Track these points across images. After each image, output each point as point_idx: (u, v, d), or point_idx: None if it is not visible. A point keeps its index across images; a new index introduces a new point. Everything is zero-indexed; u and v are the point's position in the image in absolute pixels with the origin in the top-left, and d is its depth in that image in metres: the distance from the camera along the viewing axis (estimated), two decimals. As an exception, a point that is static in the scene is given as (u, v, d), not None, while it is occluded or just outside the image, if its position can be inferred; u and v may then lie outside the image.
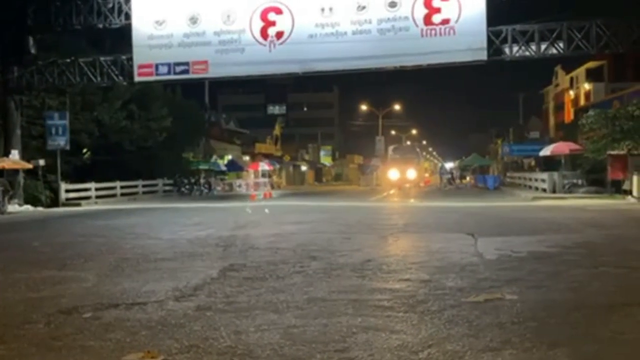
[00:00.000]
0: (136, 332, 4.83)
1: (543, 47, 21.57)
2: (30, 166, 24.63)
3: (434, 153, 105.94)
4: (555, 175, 27.78)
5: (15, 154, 24.15)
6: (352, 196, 30.01)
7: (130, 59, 23.37)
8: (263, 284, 6.79)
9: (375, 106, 63.37)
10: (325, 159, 78.76)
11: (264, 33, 22.52)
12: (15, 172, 24.29)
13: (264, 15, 22.52)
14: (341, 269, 7.70)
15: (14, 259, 9.70)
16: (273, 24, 22.50)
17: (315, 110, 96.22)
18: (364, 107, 66.49)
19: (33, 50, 24.41)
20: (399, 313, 5.30)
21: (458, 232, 11.89)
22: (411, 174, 44.04)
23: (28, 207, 23.90)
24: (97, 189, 28.74)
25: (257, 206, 23.36)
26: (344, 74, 24.77)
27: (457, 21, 21.30)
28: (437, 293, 6.09)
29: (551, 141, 37.99)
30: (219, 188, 40.52)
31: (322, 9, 22.13)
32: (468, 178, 48.82)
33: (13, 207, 22.85)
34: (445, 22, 21.41)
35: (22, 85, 24.77)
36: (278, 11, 22.47)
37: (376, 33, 21.92)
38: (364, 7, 21.91)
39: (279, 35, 22.45)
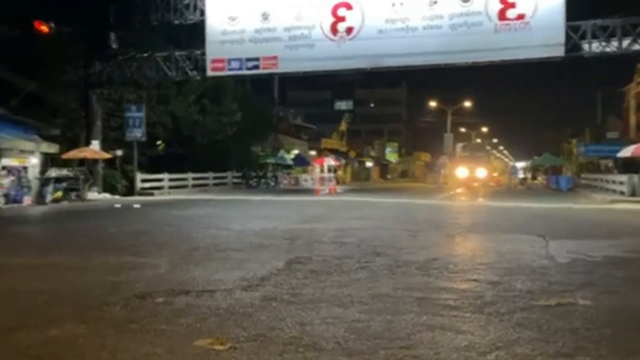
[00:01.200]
0: (205, 319, 4.99)
1: (625, 43, 20.55)
2: (109, 156, 25.82)
3: (505, 152, 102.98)
4: (636, 177, 26.37)
5: (95, 144, 25.38)
6: (418, 194, 29.66)
7: (203, 54, 24.03)
8: (328, 277, 6.85)
9: (445, 103, 62.23)
10: (391, 156, 78.13)
11: (333, 29, 22.60)
12: (95, 161, 25.52)
13: (334, 11, 22.59)
14: (406, 266, 7.65)
15: (93, 244, 10.22)
16: (343, 19, 22.53)
17: (383, 106, 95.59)
18: (432, 104, 65.40)
19: (114, 46, 25.54)
20: (466, 313, 5.22)
21: (528, 233, 11.53)
22: (480, 172, 42.98)
23: (106, 195, 25.09)
24: (170, 180, 29.77)
25: (322, 201, 23.51)
26: (413, 69, 24.48)
27: (532, 16, 20.62)
28: (506, 295, 5.95)
29: (631, 142, 36.10)
30: (285, 182, 41.02)
31: (393, 4, 21.96)
32: (540, 178, 47.09)
33: (92, 195, 24.05)
34: (521, 17, 20.76)
35: (103, 79, 25.97)
36: (348, 7, 22.47)
37: (448, 28, 21.54)
38: (435, 2, 21.58)
39: (349, 30, 22.45)
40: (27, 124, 23.25)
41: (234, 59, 23.61)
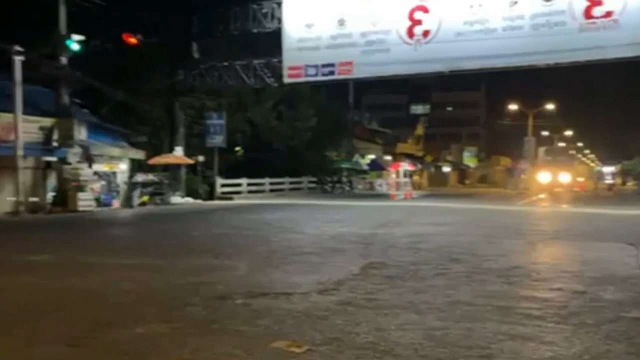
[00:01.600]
0: (283, 321, 5.08)
1: None
2: (191, 162, 26.80)
3: (590, 156, 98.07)
4: None
5: (179, 151, 26.42)
6: (497, 199, 28.81)
7: (280, 62, 24.46)
8: (404, 283, 6.79)
9: (525, 105, 60.10)
10: (469, 160, 76.27)
11: (410, 32, 22.40)
12: (178, 167, 26.56)
13: (410, 15, 22.40)
14: (485, 273, 7.46)
15: (177, 246, 10.65)
16: (419, 22, 22.28)
17: (460, 110, 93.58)
18: (512, 107, 63.34)
19: (196, 56, 26.49)
20: (550, 324, 5.02)
21: (617, 241, 10.94)
22: (564, 177, 41.22)
23: (188, 199, 26.04)
24: (248, 185, 30.52)
25: (398, 206, 23.31)
26: (492, 72, 23.83)
27: (621, 13, 19.55)
28: (592, 305, 5.68)
29: None
30: (360, 187, 41.02)
31: (471, 6, 21.48)
32: (630, 183, 44.48)
33: (176, 199, 25.04)
34: (608, 14, 19.74)
35: (186, 87, 27.01)
36: (425, 10, 22.21)
37: (529, 29, 20.83)
38: (515, 2, 20.91)
39: (426, 34, 22.18)
40: (116, 132, 24.57)
41: (310, 66, 23.89)
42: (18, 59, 18.71)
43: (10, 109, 18.71)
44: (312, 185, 37.52)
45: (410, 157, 53.49)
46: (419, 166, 53.29)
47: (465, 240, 11.21)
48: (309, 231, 12.89)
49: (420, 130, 69.33)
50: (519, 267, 7.91)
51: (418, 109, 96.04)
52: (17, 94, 18.70)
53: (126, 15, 22.98)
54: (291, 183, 35.02)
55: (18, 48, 18.65)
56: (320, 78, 24.42)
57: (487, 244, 10.75)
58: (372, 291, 6.33)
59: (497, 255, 9.05)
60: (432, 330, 4.77)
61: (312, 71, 23.99)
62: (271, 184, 32.71)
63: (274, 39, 24.74)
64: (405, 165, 36.94)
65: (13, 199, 18.96)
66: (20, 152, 18.75)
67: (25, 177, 19.36)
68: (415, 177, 49.45)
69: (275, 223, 15.14)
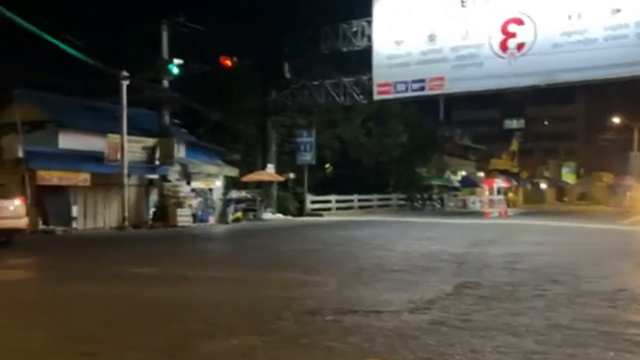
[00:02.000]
0: (373, 339, 5.03)
1: None
2: (282, 179, 27.41)
3: None
4: None
5: (271, 168, 27.11)
6: (599, 218, 27.17)
7: (370, 79, 24.56)
8: (500, 304, 6.54)
9: (629, 118, 56.52)
10: (568, 177, 72.56)
11: (503, 45, 21.80)
12: (270, 184, 27.23)
13: (504, 28, 21.81)
14: (588, 296, 7.03)
15: (268, 261, 10.89)
16: (513, 35, 21.64)
17: (557, 124, 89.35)
18: (615, 120, 59.74)
19: (288, 75, 27.18)
20: (662, 352, 4.65)
21: None
22: (675, 195, 38.23)
23: (279, 216, 26.59)
24: (337, 201, 30.72)
25: (492, 224, 22.55)
26: (592, 84, 22.65)
27: None
28: None
29: None
30: (451, 204, 40.12)
31: (569, 16, 20.60)
32: None
33: (267, 215, 25.65)
34: None
35: (278, 107, 27.75)
36: (519, 22, 21.56)
37: (634, 37, 19.66)
38: (618, 11, 19.84)
39: (520, 47, 21.50)
40: (212, 150, 25.63)
41: (400, 82, 23.80)
42: (125, 84, 20.02)
43: (118, 130, 20.00)
44: (402, 202, 37.15)
45: (504, 173, 51.74)
46: (514, 183, 51.41)
47: (565, 260, 10.65)
48: (399, 248, 12.75)
49: (514, 145, 66.94)
50: (624, 290, 7.40)
51: (512, 123, 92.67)
52: (123, 116, 19.98)
53: (222, 39, 24.01)
54: (380, 200, 34.86)
55: (125, 73, 19.96)
56: (410, 94, 24.26)
57: (589, 264, 10.15)
58: (466, 311, 6.14)
59: (600, 277, 8.52)
60: (531, 354, 4.56)
61: (401, 87, 23.90)
62: (360, 200, 32.73)
63: (363, 56, 24.92)
64: (500, 182, 35.77)
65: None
66: (125, 171, 19.96)
67: (129, 194, 20.57)
68: (510, 194, 47.73)
69: (364, 240, 15.11)
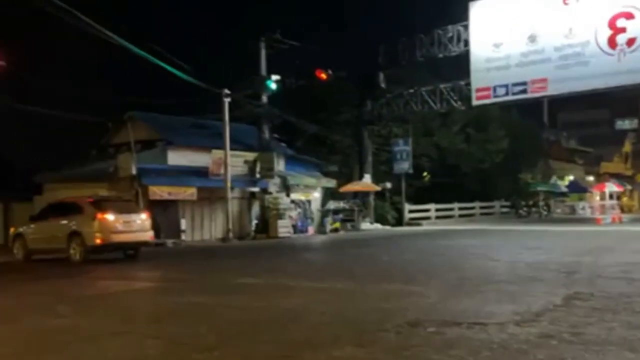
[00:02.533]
0: (478, 352, 4.89)
1: None
2: (379, 189, 27.36)
3: None
4: None
5: (367, 178, 27.17)
6: None
7: (468, 84, 24.01)
8: (615, 317, 6.13)
9: None
10: (691, 179, 66.61)
11: (611, 42, 20.56)
12: (367, 194, 27.27)
13: (611, 23, 20.58)
14: None
15: (367, 271, 10.91)
16: (623, 30, 20.36)
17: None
18: None
19: (383, 85, 27.19)
20: None
21: None
22: None
23: (377, 225, 26.55)
24: (436, 210, 30.18)
25: (604, 231, 21.20)
26: None
27: None
28: None
29: None
30: (559, 210, 38.19)
31: (686, 6, 19.10)
32: None
33: (365, 225, 25.70)
34: None
35: (373, 116, 27.80)
36: (629, 16, 20.24)
37: None
38: None
39: (630, 42, 20.18)
40: (310, 162, 26.12)
41: (500, 86, 23.07)
42: (227, 101, 20.92)
43: (221, 146, 20.90)
44: (505, 209, 35.84)
45: (616, 177, 48.46)
46: (628, 187, 48.00)
47: (690, 270, 9.80)
48: (503, 258, 12.30)
49: (627, 147, 62.60)
50: None
51: (624, 124, 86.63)
52: (226, 132, 20.87)
53: (317, 52, 24.48)
54: (482, 208, 33.85)
55: (226, 91, 20.87)
56: (510, 98, 23.46)
57: None
58: (577, 324, 5.82)
59: None
60: (652, 372, 4.24)
61: (501, 91, 23.16)
62: (460, 209, 31.95)
63: (460, 61, 24.45)
64: (612, 186, 33.60)
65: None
66: (229, 185, 20.80)
67: (233, 206, 21.42)
68: (624, 199, 44.63)
69: (466, 249, 14.73)
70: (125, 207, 15.25)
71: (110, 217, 13.84)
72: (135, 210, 15.37)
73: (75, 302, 8.42)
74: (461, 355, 4.84)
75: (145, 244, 14.70)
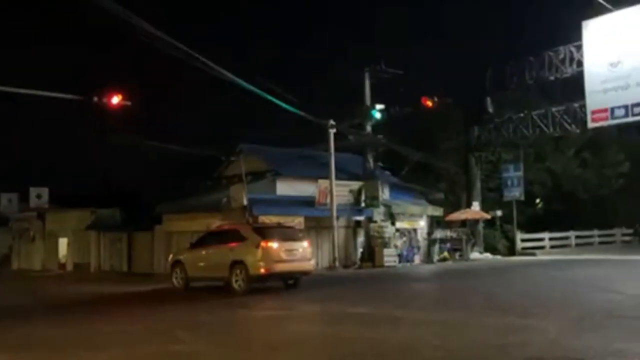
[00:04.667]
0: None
1: None
2: (488, 216, 26.47)
3: None
4: None
5: (476, 206, 26.39)
6: None
7: (582, 106, 22.82)
8: None
9: None
10: None
11: None
12: (476, 222, 26.46)
13: None
14: None
15: (480, 303, 10.55)
16: None
17: None
18: None
19: (490, 110, 26.48)
20: None
21: None
22: None
23: (487, 255, 25.62)
24: (550, 239, 28.66)
25: None
26: None
27: None
28: None
29: None
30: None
31: None
32: None
33: (474, 255, 24.89)
34: None
35: (481, 142, 27.10)
36: None
37: None
38: None
39: None
40: (415, 190, 25.86)
41: (618, 107, 21.67)
42: (332, 132, 21.35)
43: (326, 175, 21.29)
44: (627, 238, 33.26)
45: None
46: None
47: None
48: (629, 291, 11.42)
49: None
50: None
51: None
52: (331, 163, 21.25)
53: (422, 79, 24.42)
54: (600, 236, 31.67)
55: (332, 122, 21.32)
56: (631, 119, 21.94)
57: None
58: None
59: None
60: None
61: (620, 113, 21.76)
62: (577, 237, 30.09)
63: (572, 83, 23.35)
64: None
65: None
66: (335, 214, 21.07)
67: (338, 235, 21.60)
68: None
69: (586, 281, 13.85)
70: (288, 234, 14.46)
71: (274, 245, 13.17)
72: (298, 237, 14.54)
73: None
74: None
75: (307, 273, 13.99)
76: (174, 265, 15.14)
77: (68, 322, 10.04)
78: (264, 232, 13.65)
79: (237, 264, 13.18)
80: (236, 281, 13.15)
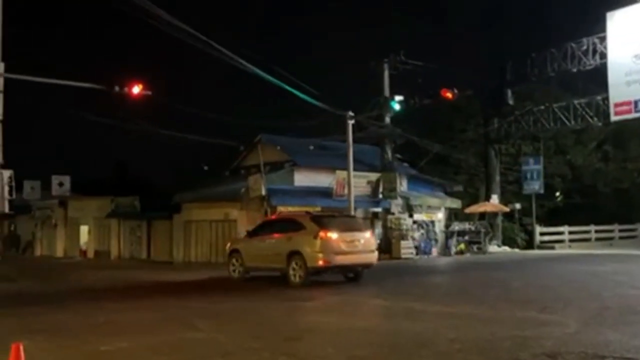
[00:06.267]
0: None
1: None
2: (507, 210, 26.27)
3: None
4: None
5: (495, 199, 26.20)
6: None
7: (605, 99, 22.48)
8: None
9: None
10: None
11: None
12: (495, 215, 26.29)
13: None
14: None
15: (498, 296, 10.51)
16: None
17: None
18: None
19: (510, 102, 26.20)
20: None
21: None
22: None
23: (505, 248, 25.47)
24: (570, 233, 28.35)
25: None
26: None
27: None
28: None
29: None
30: None
31: None
32: None
33: (492, 248, 24.75)
34: None
35: (500, 135, 26.85)
36: None
37: None
38: None
39: None
40: (433, 182, 25.74)
41: (643, 100, 21.36)
42: (350, 123, 21.27)
43: (344, 167, 21.26)
44: (649, 232, 32.78)
45: None
46: None
47: None
48: (649, 287, 11.31)
49: None
50: None
51: None
52: (349, 154, 21.19)
53: (441, 71, 24.19)
54: (621, 231, 31.23)
55: (350, 113, 21.23)
56: (655, 112, 21.59)
57: None
58: None
59: None
60: None
61: (644, 106, 21.40)
62: (597, 231, 29.71)
63: (594, 75, 23.00)
64: None
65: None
66: (352, 205, 21.05)
67: (356, 226, 21.55)
68: None
69: (606, 275, 13.71)
70: (349, 223, 13.83)
71: (333, 235, 12.43)
72: (359, 227, 13.79)
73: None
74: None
75: (368, 266, 13.18)
76: (232, 254, 14.49)
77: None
78: (323, 222, 12.93)
79: (295, 254, 12.56)
80: (293, 273, 12.54)
